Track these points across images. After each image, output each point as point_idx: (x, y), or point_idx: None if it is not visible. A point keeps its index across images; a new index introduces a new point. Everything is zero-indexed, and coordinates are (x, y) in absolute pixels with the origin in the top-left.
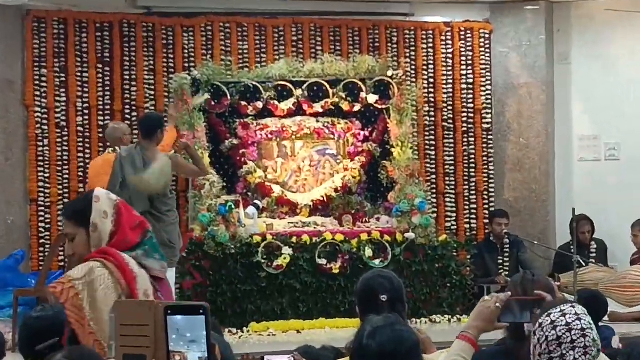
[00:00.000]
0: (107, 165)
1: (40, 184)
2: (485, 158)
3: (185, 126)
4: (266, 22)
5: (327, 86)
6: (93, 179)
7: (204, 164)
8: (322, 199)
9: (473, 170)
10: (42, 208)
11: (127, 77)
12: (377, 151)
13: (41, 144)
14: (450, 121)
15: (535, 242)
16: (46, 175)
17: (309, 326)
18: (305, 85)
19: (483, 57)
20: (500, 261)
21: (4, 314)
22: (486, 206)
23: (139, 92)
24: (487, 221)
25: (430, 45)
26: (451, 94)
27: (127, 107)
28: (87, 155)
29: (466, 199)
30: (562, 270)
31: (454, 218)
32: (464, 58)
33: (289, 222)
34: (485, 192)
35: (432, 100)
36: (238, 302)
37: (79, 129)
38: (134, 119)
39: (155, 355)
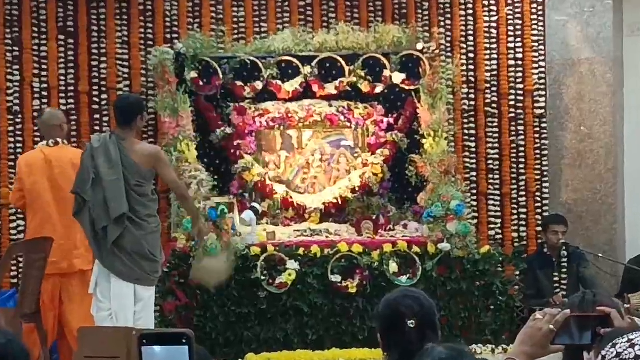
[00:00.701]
0: (67, 164)
1: None
2: (537, 151)
3: (167, 112)
4: None
5: (343, 62)
6: (27, 180)
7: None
8: (335, 201)
9: (522, 165)
10: None
11: (96, 52)
12: (404, 142)
13: None
14: (495, 105)
15: (600, 255)
16: None
17: (319, 358)
18: (315, 62)
19: (535, 27)
20: (557, 278)
21: None
22: (539, 210)
23: (109, 70)
24: (540, 229)
25: (470, 12)
26: (496, 72)
27: (95, 88)
28: None
29: (514, 201)
30: (632, 290)
31: (498, 225)
32: (511, 28)
33: (295, 230)
34: (538, 193)
35: (472, 79)
36: (232, 328)
37: (36, 114)
38: (103, 102)
39: None
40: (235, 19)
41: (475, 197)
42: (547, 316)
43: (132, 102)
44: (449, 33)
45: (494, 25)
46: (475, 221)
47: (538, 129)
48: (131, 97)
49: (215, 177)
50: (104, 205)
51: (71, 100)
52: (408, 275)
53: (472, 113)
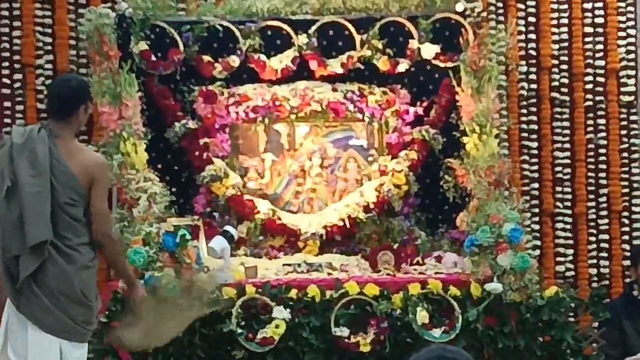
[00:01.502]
0: None
1: None
2: (625, 154)
3: (105, 98)
4: None
5: (352, 29)
6: None
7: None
8: (342, 224)
9: (604, 174)
10: None
11: (5, 14)
12: (438, 142)
13: None
14: (565, 90)
15: None
16: None
17: None
18: (313, 28)
19: None
20: None
21: None
22: (626, 237)
23: (26, 40)
24: (628, 263)
25: None
26: (566, 44)
27: (5, 64)
28: None
29: (592, 224)
30: None
31: (570, 258)
32: None
33: (284, 264)
34: (626, 213)
35: (534, 55)
36: None
37: None
38: (16, 84)
39: None
40: None
41: (537, 219)
42: None
43: (74, 87)
44: None
45: None
46: (538, 252)
47: (626, 122)
48: (72, 80)
49: (173, 189)
50: (19, 226)
51: None
52: (443, 328)
53: (534, 101)
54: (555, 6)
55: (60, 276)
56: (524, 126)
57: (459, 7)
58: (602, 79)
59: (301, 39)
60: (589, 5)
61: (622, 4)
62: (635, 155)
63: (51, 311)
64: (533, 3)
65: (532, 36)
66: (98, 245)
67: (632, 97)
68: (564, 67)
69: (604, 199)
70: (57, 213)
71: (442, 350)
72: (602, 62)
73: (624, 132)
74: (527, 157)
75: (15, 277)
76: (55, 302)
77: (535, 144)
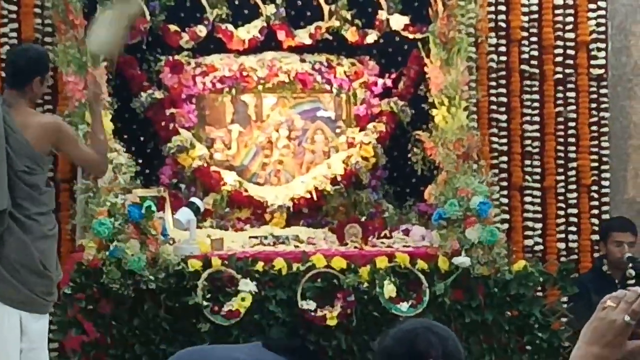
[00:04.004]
0: None
1: None
2: (595, 127)
3: (71, 67)
4: None
5: (320, 0)
6: None
7: (106, 150)
8: (309, 196)
9: (573, 148)
10: None
11: None
12: (407, 114)
13: None
14: (535, 63)
15: None
16: None
17: None
18: None
19: None
20: None
21: None
22: (596, 212)
23: None
24: (597, 237)
25: None
26: (536, 16)
27: None
28: None
29: (561, 198)
30: None
31: (538, 232)
32: None
33: (251, 237)
34: (595, 187)
35: (504, 27)
36: None
37: None
38: None
39: None
40: None
41: (505, 192)
42: (622, 303)
43: (30, 56)
44: None
45: None
46: (506, 226)
47: (596, 96)
48: (30, 50)
49: (139, 160)
50: None
51: None
52: (410, 302)
53: (503, 73)
54: None
55: (19, 247)
56: (493, 99)
57: None
58: (572, 52)
59: (269, 9)
60: None
61: None
62: (605, 129)
63: (9, 282)
64: None
65: (502, 8)
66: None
67: (602, 70)
68: (534, 39)
69: (573, 172)
70: (14, 182)
71: (428, 322)
72: (572, 35)
73: (593, 105)
74: (496, 130)
75: None
76: (14, 273)
77: (504, 117)
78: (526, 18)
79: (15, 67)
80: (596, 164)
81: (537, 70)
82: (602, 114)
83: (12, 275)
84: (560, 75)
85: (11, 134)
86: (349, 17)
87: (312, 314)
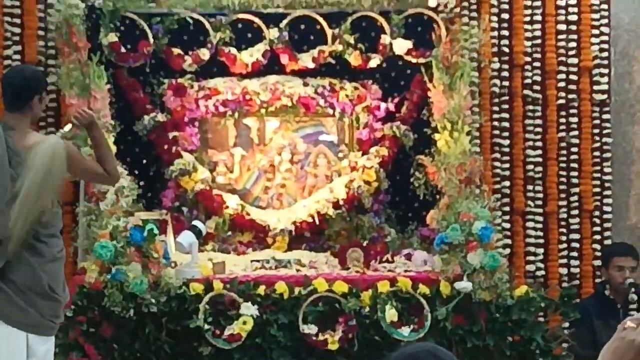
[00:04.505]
0: None
1: None
2: (597, 153)
3: (74, 90)
4: None
5: (324, 24)
6: None
7: (114, 160)
8: (311, 220)
9: (576, 173)
10: None
11: None
12: (409, 138)
13: None
14: (538, 88)
15: None
16: None
17: None
18: (284, 22)
19: None
20: None
21: None
22: (598, 237)
23: None
24: (599, 263)
25: None
26: (539, 41)
27: None
28: None
29: (563, 224)
30: None
31: (540, 257)
32: None
33: (252, 261)
34: (597, 213)
35: (507, 52)
36: None
37: None
38: None
39: None
40: None
41: (508, 217)
42: None
43: (27, 77)
44: None
45: None
46: (508, 251)
47: (598, 121)
48: (26, 70)
49: (141, 183)
50: None
51: None
52: (412, 327)
53: (506, 98)
54: (528, 3)
55: (27, 270)
56: (496, 124)
57: (432, 2)
58: (575, 77)
59: (272, 33)
60: (562, 3)
61: (596, 2)
62: (607, 155)
63: (17, 305)
64: (507, 2)
65: (505, 33)
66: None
67: (605, 96)
68: (537, 64)
69: (575, 198)
70: None
71: (431, 346)
72: (575, 60)
73: (596, 130)
74: (498, 155)
75: None
76: (22, 297)
77: (507, 142)
78: (529, 43)
79: (13, 89)
80: (598, 190)
81: (539, 96)
82: (604, 139)
83: (21, 299)
84: (563, 101)
85: (14, 157)
86: (352, 41)
87: (314, 338)
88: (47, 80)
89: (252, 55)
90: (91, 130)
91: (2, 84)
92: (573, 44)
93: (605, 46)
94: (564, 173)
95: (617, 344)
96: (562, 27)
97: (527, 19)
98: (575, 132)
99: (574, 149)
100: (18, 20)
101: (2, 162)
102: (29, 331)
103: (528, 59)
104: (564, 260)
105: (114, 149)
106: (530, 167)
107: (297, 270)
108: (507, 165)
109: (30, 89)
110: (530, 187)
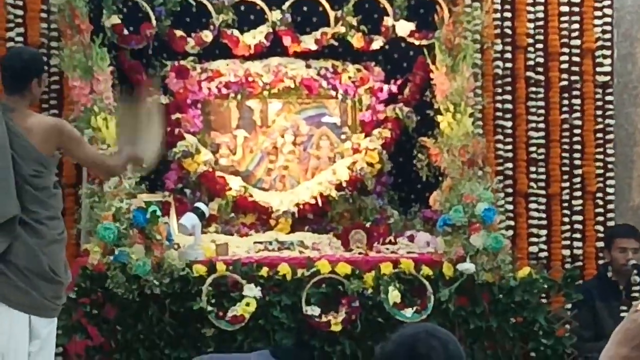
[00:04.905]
0: None
1: None
2: (600, 134)
3: (77, 72)
4: None
5: (326, 6)
6: None
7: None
8: (314, 202)
9: (578, 155)
10: None
11: None
12: (412, 120)
13: None
14: (540, 70)
15: None
16: None
17: None
18: (287, 4)
19: None
20: (624, 313)
21: None
22: (601, 218)
23: None
24: (601, 244)
25: None
26: (542, 23)
27: None
28: None
29: (566, 205)
30: None
31: (543, 238)
32: None
33: (255, 242)
34: (600, 194)
35: (509, 33)
36: None
37: None
38: None
39: None
40: None
41: (511, 199)
42: None
43: (25, 59)
44: None
45: None
46: (511, 232)
47: (601, 103)
48: (24, 52)
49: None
50: None
51: None
52: (415, 308)
53: (509, 80)
54: None
55: (28, 252)
56: (499, 105)
57: None
58: (577, 59)
59: (275, 15)
60: None
61: None
62: (610, 136)
63: (19, 287)
64: None
65: (508, 14)
66: (108, 175)
67: (608, 78)
68: (540, 46)
69: (578, 179)
70: (22, 187)
71: (429, 327)
72: (578, 42)
73: (599, 112)
74: (501, 137)
75: None
76: (24, 279)
77: (509, 124)
78: (532, 25)
79: (12, 72)
80: (601, 171)
81: (542, 77)
82: (607, 121)
83: (22, 281)
84: (565, 82)
85: (15, 139)
86: (354, 23)
87: (317, 319)
88: (50, 62)
89: (255, 37)
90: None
91: (1, 67)
92: (576, 26)
93: (608, 28)
94: (567, 155)
95: (627, 327)
96: (565, 8)
97: (530, 0)
98: (578, 114)
99: (577, 131)
100: (20, 2)
101: (4, 143)
102: (31, 313)
103: (530, 40)
104: (567, 242)
105: (113, 130)
106: (533, 148)
107: (300, 252)
108: (509, 147)
109: (30, 72)
110: (533, 169)
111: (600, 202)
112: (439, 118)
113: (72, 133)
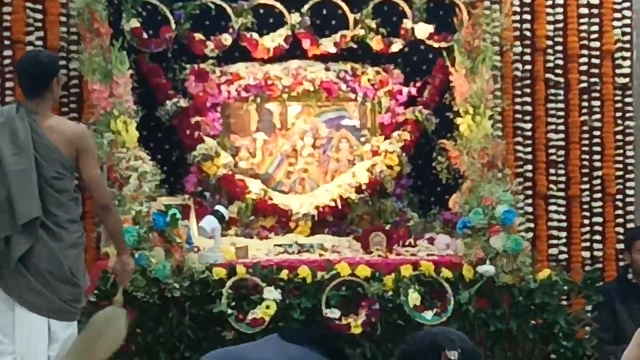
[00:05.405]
0: None
1: None
2: (619, 136)
3: (96, 75)
4: None
5: (345, 8)
6: None
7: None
8: (334, 205)
9: (598, 157)
10: None
11: None
12: (431, 122)
13: None
14: (560, 72)
15: None
16: None
17: None
18: (306, 7)
19: None
20: None
21: None
22: (621, 220)
23: (15, 17)
24: (622, 246)
25: None
26: (561, 25)
27: None
28: None
29: (586, 207)
30: None
31: (563, 240)
32: None
33: (275, 245)
34: (620, 196)
35: (529, 35)
36: None
37: None
38: (7, 61)
39: None
40: None
41: (530, 201)
42: None
43: (43, 62)
44: None
45: None
46: (531, 235)
47: (620, 105)
48: (41, 55)
49: (164, 168)
50: (8, 205)
51: None
52: (435, 310)
53: (528, 82)
54: None
55: (48, 256)
56: (518, 107)
57: None
58: (597, 61)
59: (294, 18)
60: None
61: None
62: (630, 138)
63: (39, 291)
64: None
65: (527, 17)
66: (101, 210)
67: (627, 79)
68: (559, 48)
69: (598, 181)
70: (44, 189)
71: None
72: (597, 44)
73: (618, 114)
74: (520, 139)
75: (3, 259)
76: (44, 282)
77: (529, 126)
78: (551, 27)
79: (31, 76)
80: (621, 173)
81: (562, 79)
82: (627, 122)
83: (42, 284)
84: (585, 84)
85: (39, 141)
86: (373, 25)
87: (337, 322)
88: (70, 66)
89: (274, 40)
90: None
91: (19, 72)
92: (595, 28)
93: (628, 30)
94: (587, 157)
95: None
96: (584, 10)
97: (549, 2)
98: (598, 116)
99: (596, 133)
100: (40, 6)
101: (28, 145)
102: (50, 317)
103: (550, 42)
104: (587, 244)
105: (136, 134)
106: (553, 150)
107: (320, 255)
108: (529, 149)
109: (49, 74)
110: (552, 171)
111: (620, 204)
112: (459, 120)
113: (91, 144)
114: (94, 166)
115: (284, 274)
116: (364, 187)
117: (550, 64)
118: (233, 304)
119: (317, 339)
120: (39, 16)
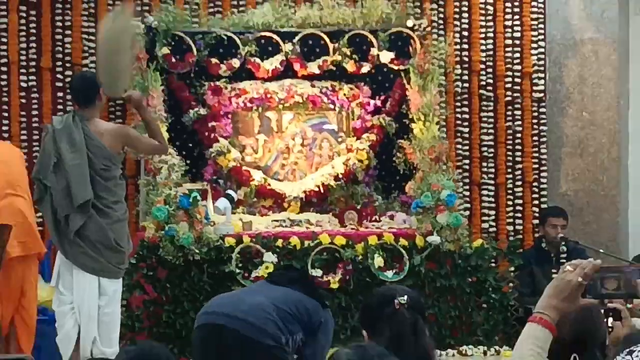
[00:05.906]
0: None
1: None
2: (535, 138)
3: (137, 90)
4: None
5: (326, 39)
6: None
7: (162, 134)
8: (317, 189)
9: (519, 153)
10: None
11: (60, 24)
12: (392, 127)
13: None
14: (490, 88)
15: (601, 251)
16: None
17: None
18: (296, 38)
19: (535, 4)
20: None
21: None
22: (536, 202)
23: (75, 45)
24: (537, 222)
25: None
26: (491, 53)
27: (59, 64)
28: (4, 133)
29: (510, 191)
30: None
31: (492, 217)
32: (509, 5)
33: (273, 220)
34: (536, 184)
35: (466, 60)
36: None
37: None
38: (67, 79)
39: None
40: None
41: (467, 187)
42: (578, 269)
43: (87, 78)
44: (441, 9)
45: (490, 1)
46: (468, 212)
47: (536, 114)
48: (84, 74)
49: (188, 161)
50: (66, 192)
51: (32, 77)
52: (394, 270)
53: (466, 96)
54: (483, 23)
55: (98, 229)
56: (459, 115)
57: (409, 23)
58: (518, 80)
59: (287, 47)
60: (509, 23)
61: (535, 23)
62: (544, 139)
63: (92, 256)
64: (466, 21)
65: (465, 46)
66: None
67: (542, 94)
68: (490, 70)
69: (519, 172)
70: (94, 178)
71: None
72: (518, 67)
73: (535, 121)
74: (460, 140)
75: (64, 232)
76: (95, 250)
77: (467, 130)
78: (484, 54)
79: (83, 91)
80: (537, 166)
81: (492, 94)
82: (541, 127)
83: (93, 251)
84: (509, 98)
85: (90, 142)
86: (348, 52)
87: (320, 279)
88: None
89: (272, 63)
90: (141, 112)
91: (73, 90)
92: (517, 55)
93: (542, 56)
94: (510, 153)
95: (557, 283)
96: (509, 41)
97: (482, 35)
98: (519, 122)
99: (518, 135)
100: (94, 37)
101: (81, 145)
102: (100, 275)
103: (482, 66)
104: (511, 220)
105: (166, 135)
106: (485, 148)
107: (307, 228)
108: (467, 147)
109: (95, 87)
110: (484, 164)
111: (536, 190)
112: (413, 125)
113: (134, 133)
114: (144, 142)
115: (279, 242)
116: (340, 176)
117: (483, 82)
118: (240, 265)
119: (295, 279)
120: (93, 45)
